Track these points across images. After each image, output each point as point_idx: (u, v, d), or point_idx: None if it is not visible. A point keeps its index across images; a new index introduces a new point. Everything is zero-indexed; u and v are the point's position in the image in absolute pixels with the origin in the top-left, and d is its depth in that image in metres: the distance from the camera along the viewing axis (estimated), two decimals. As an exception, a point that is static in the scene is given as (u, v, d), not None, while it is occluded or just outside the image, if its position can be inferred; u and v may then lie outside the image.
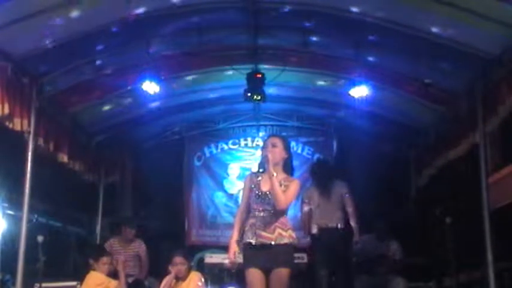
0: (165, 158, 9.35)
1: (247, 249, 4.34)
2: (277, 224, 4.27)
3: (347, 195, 6.76)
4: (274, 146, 4.44)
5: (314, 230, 6.72)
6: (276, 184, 4.24)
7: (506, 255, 5.87)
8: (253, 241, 4.26)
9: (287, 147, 4.50)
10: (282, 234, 4.25)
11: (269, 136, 4.77)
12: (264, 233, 4.25)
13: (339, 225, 6.70)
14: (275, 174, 4.28)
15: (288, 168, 4.48)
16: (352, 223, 6.70)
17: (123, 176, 9.39)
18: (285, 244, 4.24)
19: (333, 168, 7.36)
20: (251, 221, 4.33)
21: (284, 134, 8.66)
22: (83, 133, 7.85)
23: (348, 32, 6.06)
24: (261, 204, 4.32)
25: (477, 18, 5.08)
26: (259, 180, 4.39)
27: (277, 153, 4.40)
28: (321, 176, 6.89)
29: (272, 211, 4.28)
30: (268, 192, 4.30)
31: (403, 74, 6.80)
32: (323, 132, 9.67)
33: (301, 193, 6.62)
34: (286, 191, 4.29)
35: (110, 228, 8.51)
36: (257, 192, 4.35)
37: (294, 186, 4.35)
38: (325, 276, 6.64)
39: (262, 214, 4.30)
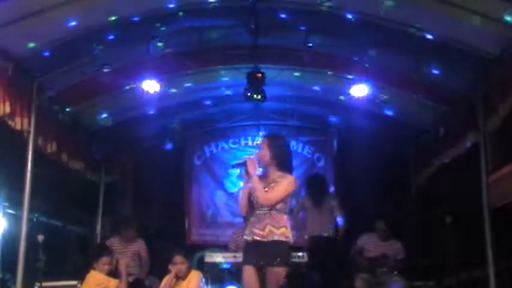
0: (165, 157, 9.35)
1: (245, 246, 4.41)
2: (269, 221, 4.27)
3: (336, 207, 7.48)
4: (260, 148, 4.50)
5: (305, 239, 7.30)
6: (256, 183, 4.28)
7: (506, 254, 5.87)
8: (249, 238, 4.32)
9: (272, 145, 4.44)
10: (273, 231, 4.24)
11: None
12: (256, 230, 4.28)
13: (330, 235, 7.35)
14: (257, 174, 4.35)
15: (283, 165, 4.43)
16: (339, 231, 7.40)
17: (124, 175, 9.39)
18: (275, 241, 4.23)
19: (326, 183, 8.07)
20: (251, 219, 4.37)
21: (284, 133, 8.64)
22: (83, 132, 7.85)
23: (348, 31, 6.06)
24: (257, 203, 4.34)
25: (477, 18, 5.07)
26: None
27: (261, 154, 4.44)
28: (315, 192, 7.62)
29: (268, 209, 4.30)
30: None
31: (403, 74, 6.79)
32: (323, 131, 9.66)
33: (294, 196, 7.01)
34: (275, 187, 4.30)
35: (110, 228, 8.51)
36: (253, 191, 4.37)
37: (284, 183, 4.32)
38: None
39: (259, 212, 4.33)
